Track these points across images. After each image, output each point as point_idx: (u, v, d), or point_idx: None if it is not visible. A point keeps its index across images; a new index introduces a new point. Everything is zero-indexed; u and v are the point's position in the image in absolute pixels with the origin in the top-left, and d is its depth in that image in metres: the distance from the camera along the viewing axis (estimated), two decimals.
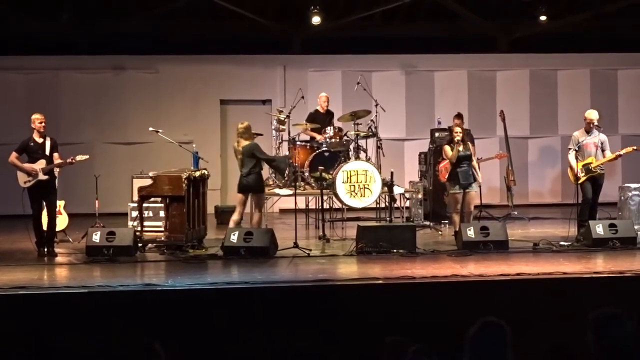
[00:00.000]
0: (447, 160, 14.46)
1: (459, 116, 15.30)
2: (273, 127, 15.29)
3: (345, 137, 14.41)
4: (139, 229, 12.14)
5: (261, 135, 14.24)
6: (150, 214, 13.41)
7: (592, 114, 12.57)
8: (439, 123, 16.39)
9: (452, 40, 18.43)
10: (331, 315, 8.84)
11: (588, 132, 12.51)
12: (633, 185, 13.78)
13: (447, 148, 12.68)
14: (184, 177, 11.91)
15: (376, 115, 14.56)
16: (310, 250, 11.83)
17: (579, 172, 12.27)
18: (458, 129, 12.70)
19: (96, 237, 11.50)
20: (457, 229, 12.24)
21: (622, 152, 12.69)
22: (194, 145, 13.73)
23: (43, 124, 11.86)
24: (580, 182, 12.32)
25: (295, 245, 11.83)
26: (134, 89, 17.85)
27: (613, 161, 12.98)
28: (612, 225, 11.97)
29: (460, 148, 12.53)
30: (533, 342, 5.88)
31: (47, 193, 11.86)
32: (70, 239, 13.14)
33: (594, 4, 18.10)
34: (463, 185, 12.46)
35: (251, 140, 12.48)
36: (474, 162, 12.76)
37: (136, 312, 8.78)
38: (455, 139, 12.55)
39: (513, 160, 16.36)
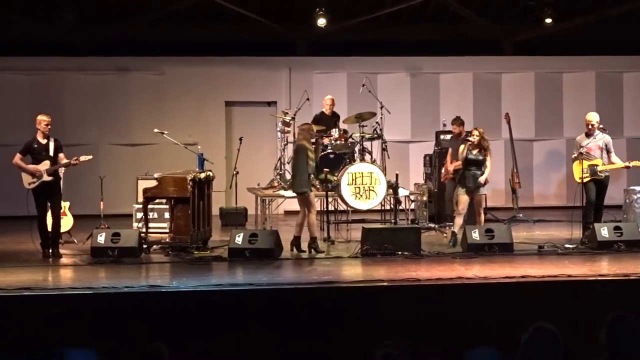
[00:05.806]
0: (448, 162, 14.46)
1: (456, 119, 15.08)
2: (278, 129, 15.30)
3: (350, 139, 14.38)
4: (143, 230, 12.15)
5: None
6: (155, 215, 13.38)
7: (591, 116, 12.53)
8: (444, 125, 16.36)
9: (457, 43, 18.41)
10: (336, 317, 8.83)
11: (589, 135, 12.47)
12: (638, 188, 13.75)
13: (462, 147, 12.61)
14: (189, 178, 11.90)
15: (381, 118, 14.55)
16: (305, 251, 11.90)
17: (585, 171, 12.22)
18: (476, 132, 12.55)
19: (101, 239, 11.50)
20: (455, 230, 12.34)
21: (631, 164, 12.64)
22: (199, 147, 13.72)
23: (49, 126, 11.84)
24: (584, 181, 12.25)
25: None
26: (139, 91, 17.84)
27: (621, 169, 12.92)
28: (617, 228, 11.98)
29: (475, 152, 12.46)
30: None
31: (52, 194, 11.82)
32: (75, 240, 13.13)
33: (599, 7, 18.08)
34: (470, 189, 12.41)
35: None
36: (487, 169, 12.61)
37: (141, 314, 8.78)
38: (470, 140, 12.46)
39: (518, 162, 16.33)
